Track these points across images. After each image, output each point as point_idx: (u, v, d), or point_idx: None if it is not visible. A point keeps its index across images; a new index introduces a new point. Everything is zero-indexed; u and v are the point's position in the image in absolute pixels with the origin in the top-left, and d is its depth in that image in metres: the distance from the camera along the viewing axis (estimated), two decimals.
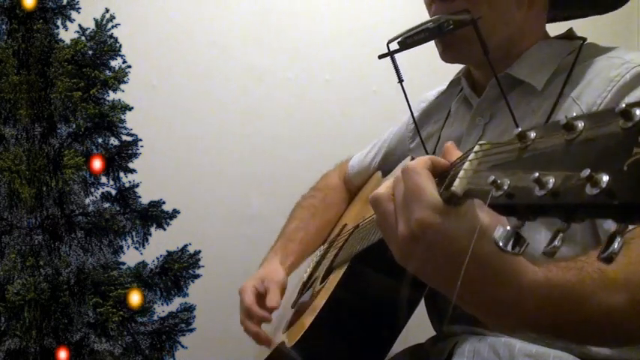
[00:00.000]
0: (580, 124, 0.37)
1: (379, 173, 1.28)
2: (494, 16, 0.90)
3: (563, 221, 0.38)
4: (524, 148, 0.42)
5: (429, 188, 0.54)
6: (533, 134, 0.42)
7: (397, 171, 1.10)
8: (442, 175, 0.57)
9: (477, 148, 0.51)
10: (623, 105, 0.33)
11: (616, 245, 0.35)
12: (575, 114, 0.84)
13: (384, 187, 0.62)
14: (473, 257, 0.51)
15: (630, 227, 0.53)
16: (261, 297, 1.15)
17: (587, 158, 0.35)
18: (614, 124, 0.34)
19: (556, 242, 0.38)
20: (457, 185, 0.49)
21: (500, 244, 0.43)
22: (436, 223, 0.53)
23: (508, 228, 0.43)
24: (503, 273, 0.55)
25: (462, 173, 0.49)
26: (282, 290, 1.16)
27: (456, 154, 0.59)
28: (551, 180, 0.36)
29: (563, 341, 0.79)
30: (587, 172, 0.33)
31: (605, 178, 0.32)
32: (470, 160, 0.50)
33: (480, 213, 0.52)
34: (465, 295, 0.56)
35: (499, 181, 0.41)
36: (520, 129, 0.42)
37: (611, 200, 0.32)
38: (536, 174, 0.37)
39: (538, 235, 0.80)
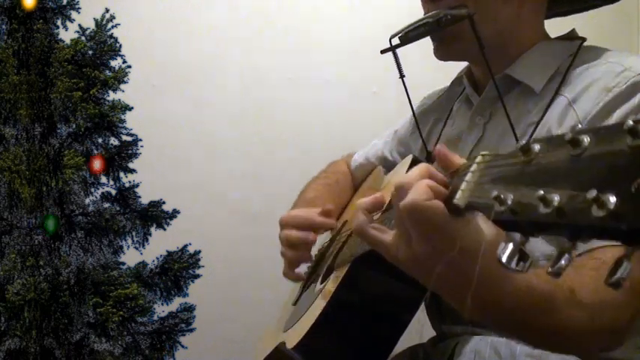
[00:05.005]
0: (586, 139, 0.36)
1: (380, 167, 1.27)
2: (481, 11, 0.89)
3: (568, 240, 0.37)
4: (527, 161, 0.41)
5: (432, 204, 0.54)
6: (537, 147, 0.41)
7: (399, 167, 1.10)
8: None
9: (479, 159, 0.50)
10: (631, 122, 0.32)
11: (563, 262, 0.36)
12: (573, 123, 0.83)
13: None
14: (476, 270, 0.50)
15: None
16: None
17: (594, 177, 0.34)
18: (621, 142, 0.33)
19: (562, 262, 0.37)
20: (459, 198, 0.48)
21: (504, 260, 0.42)
22: (442, 230, 0.54)
23: (511, 245, 0.42)
24: (490, 278, 0.56)
25: (463, 185, 0.49)
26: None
27: (450, 158, 0.58)
28: (556, 198, 0.35)
29: (529, 345, 0.81)
30: (593, 192, 0.32)
31: (612, 199, 0.31)
32: (472, 172, 0.49)
33: (483, 225, 0.52)
34: (450, 293, 0.61)
35: (502, 196, 0.40)
36: (524, 142, 0.41)
37: (618, 224, 0.31)
38: (541, 191, 0.36)
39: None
